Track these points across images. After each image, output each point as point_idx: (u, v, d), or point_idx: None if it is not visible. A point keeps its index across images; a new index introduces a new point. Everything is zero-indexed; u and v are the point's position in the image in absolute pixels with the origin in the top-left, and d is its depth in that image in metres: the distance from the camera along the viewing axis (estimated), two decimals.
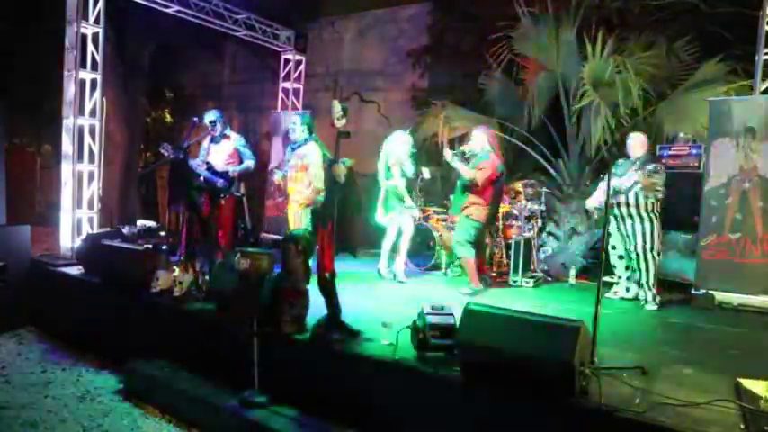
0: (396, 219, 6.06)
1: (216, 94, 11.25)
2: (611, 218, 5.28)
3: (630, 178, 5.11)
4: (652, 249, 5.17)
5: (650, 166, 5.07)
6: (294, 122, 5.50)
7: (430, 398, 3.23)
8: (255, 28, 8.55)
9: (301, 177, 5.44)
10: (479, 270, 5.73)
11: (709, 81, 6.07)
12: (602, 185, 5.30)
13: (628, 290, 5.56)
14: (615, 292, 5.62)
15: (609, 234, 5.31)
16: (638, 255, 5.22)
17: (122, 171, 10.24)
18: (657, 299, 5.22)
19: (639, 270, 5.26)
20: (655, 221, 5.20)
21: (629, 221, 5.22)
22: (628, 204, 5.16)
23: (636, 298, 5.44)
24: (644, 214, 5.14)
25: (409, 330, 3.53)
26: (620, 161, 5.37)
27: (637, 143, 5.31)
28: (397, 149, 5.94)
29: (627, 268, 5.54)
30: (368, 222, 6.09)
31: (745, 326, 4.84)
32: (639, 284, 5.33)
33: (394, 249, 6.17)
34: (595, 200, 5.52)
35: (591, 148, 6.59)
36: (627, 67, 6.06)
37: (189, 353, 4.39)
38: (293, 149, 5.51)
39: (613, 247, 5.48)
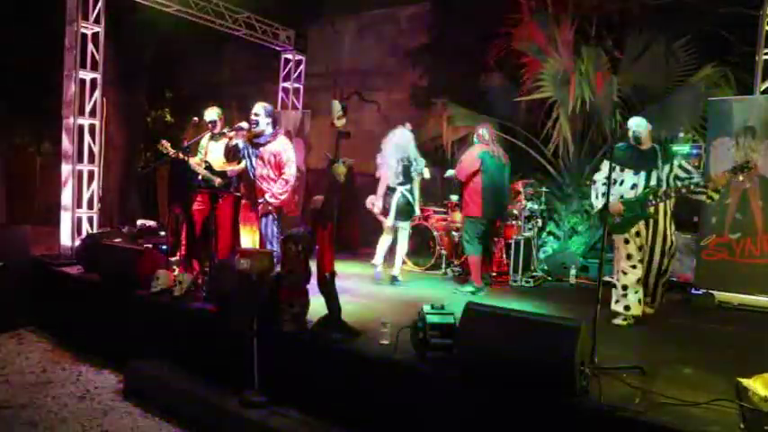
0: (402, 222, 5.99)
1: (216, 94, 11.24)
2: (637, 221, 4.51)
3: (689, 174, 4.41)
4: (672, 258, 4.57)
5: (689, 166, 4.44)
6: (257, 113, 5.03)
7: (430, 398, 3.23)
8: (255, 27, 8.54)
9: (274, 176, 5.06)
10: (482, 269, 5.73)
11: (697, 86, 6.17)
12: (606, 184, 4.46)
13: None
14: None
15: (626, 241, 4.53)
16: (660, 268, 4.53)
17: (122, 171, 10.24)
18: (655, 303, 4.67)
19: (656, 282, 4.60)
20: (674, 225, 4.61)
21: (661, 227, 4.47)
22: (664, 208, 4.45)
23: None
24: (669, 218, 4.50)
25: (409, 330, 3.53)
26: (622, 150, 4.54)
27: (646, 131, 4.52)
28: (411, 151, 5.85)
29: (638, 281, 4.59)
30: (367, 222, 6.09)
31: (745, 326, 4.84)
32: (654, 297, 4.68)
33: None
34: (617, 205, 4.47)
35: (563, 144, 6.69)
36: (583, 70, 6.16)
37: (189, 353, 4.39)
38: (255, 144, 5.12)
39: (629, 256, 4.56)
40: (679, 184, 4.36)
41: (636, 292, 4.53)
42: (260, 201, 5.13)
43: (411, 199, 5.85)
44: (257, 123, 5.07)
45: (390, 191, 5.77)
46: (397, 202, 5.75)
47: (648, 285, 4.61)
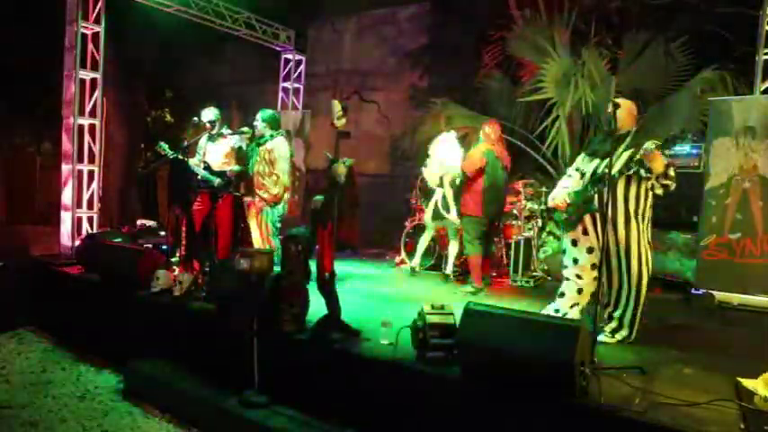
0: (440, 224, 6.21)
1: (216, 94, 11.25)
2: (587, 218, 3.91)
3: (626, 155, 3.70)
4: (640, 276, 3.80)
5: (651, 145, 3.53)
6: (256, 119, 5.54)
7: (430, 398, 3.23)
8: (255, 27, 8.54)
9: (269, 172, 5.44)
10: (482, 270, 5.73)
11: (694, 88, 6.19)
12: (572, 176, 4.09)
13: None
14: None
15: (573, 242, 4.00)
16: (620, 277, 3.87)
17: (122, 171, 10.24)
18: (633, 334, 3.90)
19: (609, 296, 3.92)
20: (644, 233, 3.79)
21: (609, 228, 3.70)
22: (615, 200, 3.73)
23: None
24: (632, 218, 3.77)
25: (409, 330, 3.53)
26: (598, 137, 4.05)
27: (624, 112, 3.78)
28: (450, 155, 5.96)
29: (580, 291, 4.02)
30: (367, 221, 6.09)
31: (745, 326, 4.84)
32: (611, 317, 3.96)
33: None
34: (562, 196, 4.01)
35: (562, 145, 6.73)
36: (584, 72, 6.19)
37: (189, 353, 4.39)
38: (258, 145, 5.54)
39: (575, 261, 3.99)
40: (632, 167, 3.65)
41: (578, 309, 3.99)
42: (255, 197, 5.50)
43: (445, 202, 5.98)
44: (256, 128, 5.54)
45: (430, 192, 6.15)
46: (434, 204, 6.05)
47: (611, 303, 3.95)
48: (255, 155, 5.54)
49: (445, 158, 5.93)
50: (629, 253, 3.79)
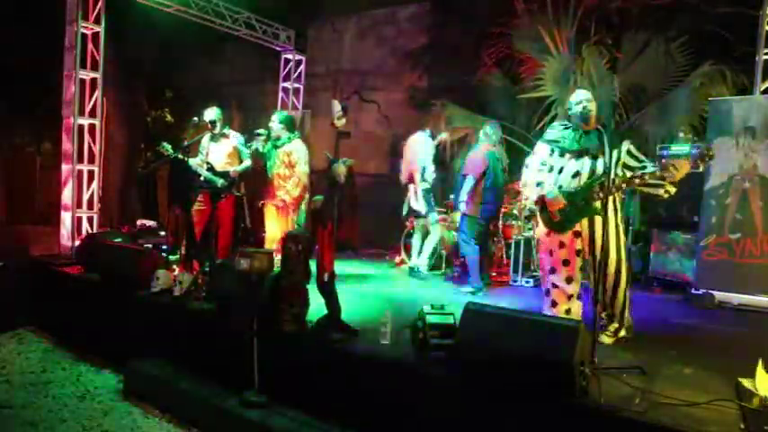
0: (419, 221, 6.40)
1: (216, 94, 11.24)
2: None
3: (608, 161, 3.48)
4: (627, 272, 3.83)
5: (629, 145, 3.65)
6: (272, 121, 5.57)
7: (430, 398, 3.23)
8: (255, 27, 8.54)
9: (289, 174, 5.47)
10: (481, 270, 5.74)
11: (694, 83, 6.19)
12: (542, 170, 3.90)
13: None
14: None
15: (561, 244, 3.88)
16: (612, 277, 3.79)
17: (122, 171, 10.24)
18: (626, 330, 3.90)
19: (612, 298, 3.84)
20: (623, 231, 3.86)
21: (612, 226, 3.67)
22: (614, 200, 3.71)
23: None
24: (619, 216, 3.81)
25: (409, 330, 3.53)
26: (557, 131, 3.88)
27: (596, 110, 3.79)
28: (420, 153, 6.18)
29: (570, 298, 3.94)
30: (367, 221, 6.09)
31: (745, 326, 4.84)
32: (611, 318, 3.92)
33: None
34: (557, 195, 3.76)
35: None
36: (583, 70, 6.21)
37: (189, 353, 4.39)
38: (276, 147, 5.57)
39: (565, 262, 3.89)
40: (629, 174, 3.61)
41: (567, 311, 3.88)
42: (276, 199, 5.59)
43: (415, 198, 6.21)
44: (273, 130, 5.58)
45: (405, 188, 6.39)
46: (407, 200, 6.34)
47: (605, 303, 3.85)
48: (274, 157, 5.57)
49: (413, 157, 6.16)
50: (619, 251, 3.80)
